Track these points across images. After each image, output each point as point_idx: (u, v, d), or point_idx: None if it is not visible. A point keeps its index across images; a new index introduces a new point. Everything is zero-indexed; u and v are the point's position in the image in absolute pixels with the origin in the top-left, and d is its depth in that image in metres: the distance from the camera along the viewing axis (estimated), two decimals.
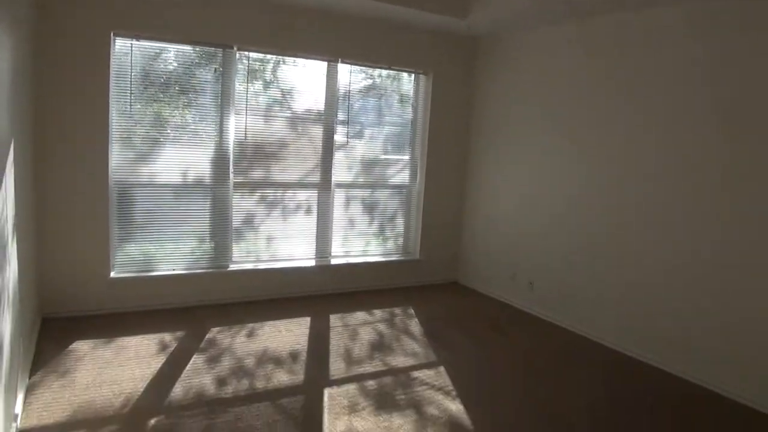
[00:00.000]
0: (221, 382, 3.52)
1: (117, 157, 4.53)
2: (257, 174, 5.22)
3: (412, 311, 5.23)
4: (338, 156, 5.60)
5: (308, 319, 4.78)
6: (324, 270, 5.58)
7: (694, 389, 3.91)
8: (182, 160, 4.82)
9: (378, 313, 5.10)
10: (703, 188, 4.02)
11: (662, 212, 4.28)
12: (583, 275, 4.90)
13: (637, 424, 3.38)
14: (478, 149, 6.13)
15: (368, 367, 3.89)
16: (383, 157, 5.96)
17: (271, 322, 4.61)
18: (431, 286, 6.17)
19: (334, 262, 5.66)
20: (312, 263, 5.55)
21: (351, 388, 3.57)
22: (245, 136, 5.06)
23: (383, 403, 3.40)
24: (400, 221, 6.16)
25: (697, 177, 4.05)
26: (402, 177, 6.11)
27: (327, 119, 5.44)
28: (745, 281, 3.77)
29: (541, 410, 3.48)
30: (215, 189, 5.00)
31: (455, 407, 3.41)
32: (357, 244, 5.92)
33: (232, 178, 5.03)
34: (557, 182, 5.16)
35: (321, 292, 5.53)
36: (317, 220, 5.59)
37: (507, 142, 5.74)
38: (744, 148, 3.78)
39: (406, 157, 6.10)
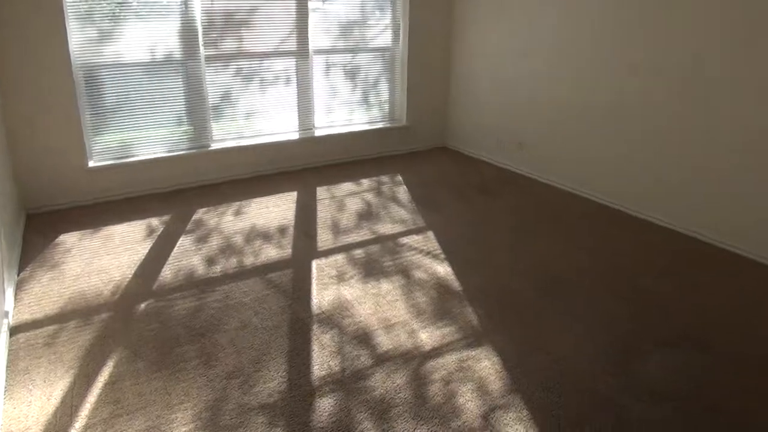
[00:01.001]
0: (210, 261, 3.53)
1: (77, 36, 4.22)
2: (229, 45, 4.90)
3: (400, 178, 5.17)
4: (314, 19, 5.23)
5: (295, 193, 4.73)
6: (308, 142, 5.44)
7: (692, 242, 3.95)
8: (148, 35, 4.50)
9: (365, 182, 5.04)
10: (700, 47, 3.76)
11: (653, 63, 4.04)
12: (571, 133, 4.76)
13: (640, 280, 3.43)
14: (465, 4, 5.71)
15: (356, 237, 3.90)
16: (363, 18, 5.58)
17: (257, 199, 4.57)
18: (420, 152, 6.07)
19: (318, 133, 5.51)
20: (296, 136, 5.39)
21: (339, 258, 3.59)
22: (212, 2, 4.69)
23: (371, 270, 3.43)
24: (384, 87, 5.90)
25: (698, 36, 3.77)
26: (384, 39, 5.76)
27: None
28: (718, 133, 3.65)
29: (535, 268, 3.52)
30: (187, 64, 4.73)
31: (443, 270, 3.44)
32: (341, 114, 5.72)
33: (203, 52, 4.74)
34: (548, 37, 4.85)
35: (307, 165, 5.44)
36: (297, 90, 5.35)
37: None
38: None
39: (387, 17, 5.71)
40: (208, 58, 4.82)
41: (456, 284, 3.28)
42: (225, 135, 5.10)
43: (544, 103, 4.99)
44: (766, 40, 3.44)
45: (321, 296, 3.13)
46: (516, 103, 5.28)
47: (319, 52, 5.36)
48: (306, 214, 4.29)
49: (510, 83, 5.32)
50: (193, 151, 4.92)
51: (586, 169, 4.69)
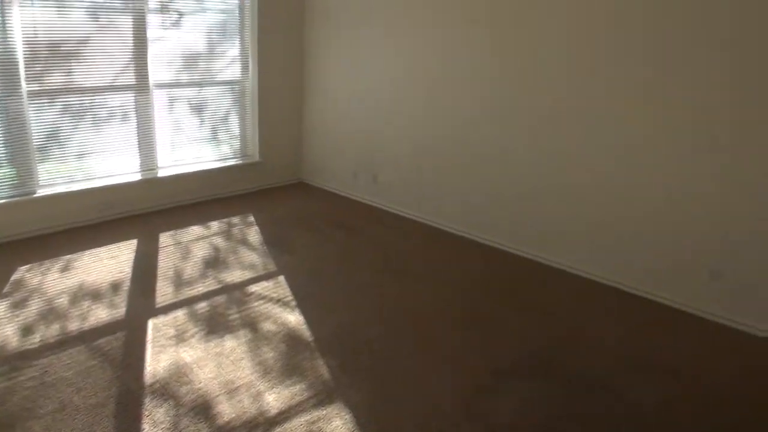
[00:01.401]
0: (26, 330, 3.10)
1: None
2: (57, 79, 4.43)
3: (253, 218, 4.96)
4: (155, 51, 4.90)
5: (134, 241, 4.35)
6: (151, 183, 5.07)
7: (546, 269, 4.13)
8: None
9: (215, 225, 4.77)
10: (544, 84, 4.00)
11: (506, 99, 4.24)
12: (428, 165, 4.86)
13: (491, 304, 3.50)
14: (317, 36, 5.67)
15: (200, 288, 3.64)
16: (209, 48, 5.33)
17: (90, 251, 4.14)
18: (274, 189, 5.90)
19: (162, 173, 5.15)
20: (137, 177, 4.99)
21: (179, 314, 3.31)
22: (35, 32, 4.22)
23: (215, 326, 3.20)
24: (234, 121, 5.68)
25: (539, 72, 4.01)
26: (232, 71, 5.55)
27: (136, 7, 4.68)
28: (567, 156, 3.91)
29: (390, 304, 3.48)
30: (5, 102, 4.21)
31: (294, 319, 3.30)
32: (188, 151, 5.41)
33: (25, 87, 4.24)
34: (400, 69, 4.93)
35: (150, 208, 5.06)
36: (137, 127, 4.97)
37: (349, 26, 5.32)
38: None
39: (236, 48, 5.51)
40: (32, 94, 4.32)
41: (307, 334, 3.15)
42: (54, 179, 4.60)
43: (396, 134, 5.06)
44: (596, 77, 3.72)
45: (156, 362, 2.85)
46: (370, 135, 5.30)
47: (160, 85, 5.04)
48: (145, 265, 3.94)
49: (364, 114, 5.34)
50: (15, 198, 4.36)
51: (443, 202, 4.80)
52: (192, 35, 5.17)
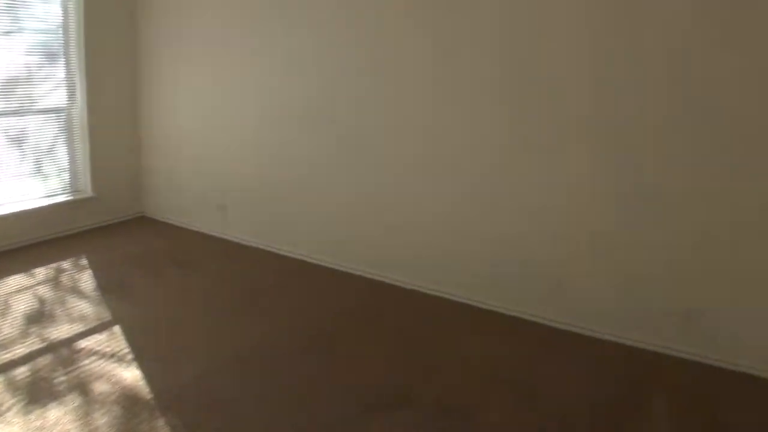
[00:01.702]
0: None
1: None
2: None
3: (86, 261, 4.55)
4: None
5: None
6: None
7: (404, 292, 4.18)
8: None
9: (40, 272, 4.30)
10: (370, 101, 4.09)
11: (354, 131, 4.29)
12: (280, 193, 4.77)
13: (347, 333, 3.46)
14: (152, 56, 5.35)
15: (19, 350, 3.23)
16: (27, 74, 4.81)
17: None
18: (112, 226, 5.46)
19: None
20: None
21: None
22: None
23: (37, 394, 2.85)
24: (62, 153, 5.18)
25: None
26: (58, 97, 5.06)
27: None
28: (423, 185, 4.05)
29: (242, 348, 3.32)
30: None
31: (131, 375, 3.04)
32: (6, 189, 4.82)
33: None
34: (251, 94, 4.79)
35: None
36: None
37: (191, 45, 5.06)
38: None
39: (61, 72, 5.03)
40: None
41: (146, 391, 2.91)
42: None
43: (247, 161, 4.91)
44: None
45: None
46: (218, 162, 5.09)
47: None
48: None
49: (211, 140, 5.11)
50: None
51: (297, 230, 4.73)
52: (7, 58, 4.64)
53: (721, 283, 3.25)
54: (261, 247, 4.93)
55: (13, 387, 2.90)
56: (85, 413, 2.73)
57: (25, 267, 4.35)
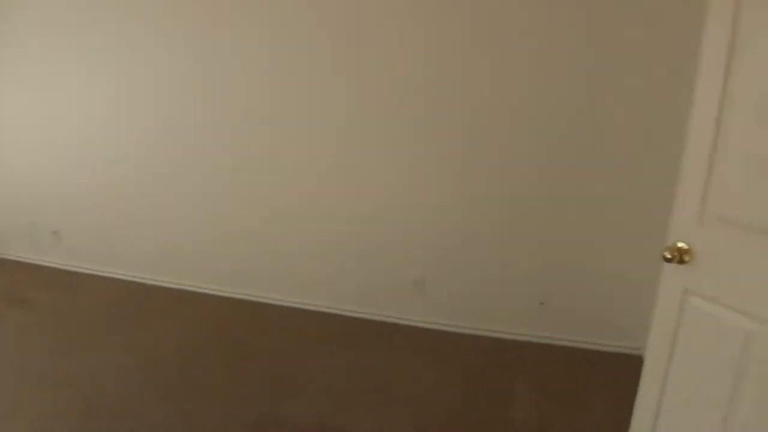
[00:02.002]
0: None
1: None
2: None
3: None
4: None
5: None
6: None
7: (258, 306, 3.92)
8: None
9: None
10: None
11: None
12: (123, 211, 4.31)
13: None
14: None
15: None
16: None
17: None
18: None
19: None
20: None
21: None
22: None
23: None
24: None
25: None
26: None
27: None
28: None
29: (86, 392, 2.88)
30: None
31: None
32: None
33: None
34: (75, 105, 4.25)
35: None
36: None
37: (8, 45, 4.35)
38: None
39: None
40: None
41: None
42: None
43: (83, 177, 4.35)
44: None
45: None
46: (49, 178, 4.45)
47: None
48: None
49: (40, 153, 4.44)
50: None
51: (144, 251, 4.31)
52: None
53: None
54: (103, 274, 4.43)
55: None
56: None
57: None
